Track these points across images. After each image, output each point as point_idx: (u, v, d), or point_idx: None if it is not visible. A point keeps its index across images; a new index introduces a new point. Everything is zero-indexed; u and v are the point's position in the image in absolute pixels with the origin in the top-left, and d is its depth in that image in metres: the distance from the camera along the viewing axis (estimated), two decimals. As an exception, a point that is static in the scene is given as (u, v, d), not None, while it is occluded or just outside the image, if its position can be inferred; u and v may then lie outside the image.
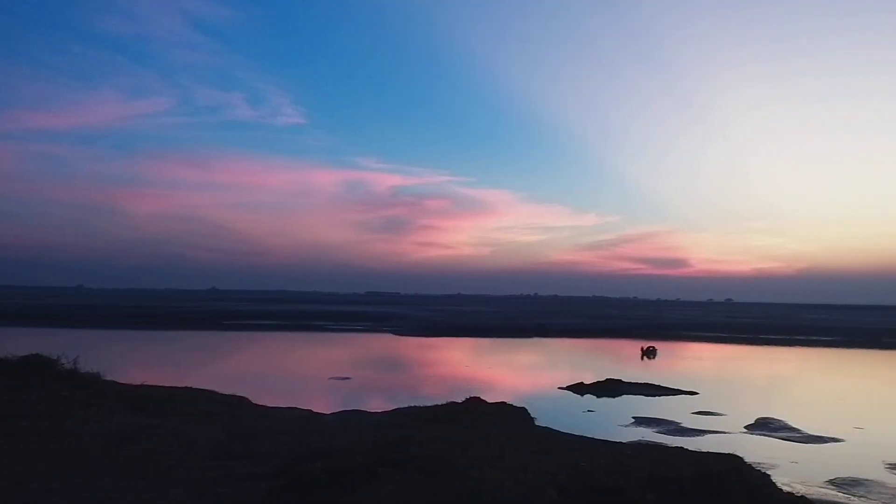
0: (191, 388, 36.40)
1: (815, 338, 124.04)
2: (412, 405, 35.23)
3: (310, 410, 34.75)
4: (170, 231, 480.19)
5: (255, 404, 34.31)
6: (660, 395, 49.62)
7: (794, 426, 38.15)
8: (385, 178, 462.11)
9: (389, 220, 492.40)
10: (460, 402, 34.14)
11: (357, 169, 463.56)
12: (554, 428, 30.76)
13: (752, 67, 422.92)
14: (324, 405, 38.44)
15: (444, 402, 34.61)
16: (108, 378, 34.34)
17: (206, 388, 37.10)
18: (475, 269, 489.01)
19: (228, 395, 34.98)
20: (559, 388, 51.91)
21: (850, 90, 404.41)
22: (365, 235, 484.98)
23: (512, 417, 31.65)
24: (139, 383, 34.83)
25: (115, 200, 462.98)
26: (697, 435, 35.70)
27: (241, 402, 34.13)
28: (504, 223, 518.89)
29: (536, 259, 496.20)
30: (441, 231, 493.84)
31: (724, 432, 36.77)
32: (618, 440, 28.94)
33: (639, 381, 53.57)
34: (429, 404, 35.08)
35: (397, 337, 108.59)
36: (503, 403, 35.10)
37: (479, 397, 35.56)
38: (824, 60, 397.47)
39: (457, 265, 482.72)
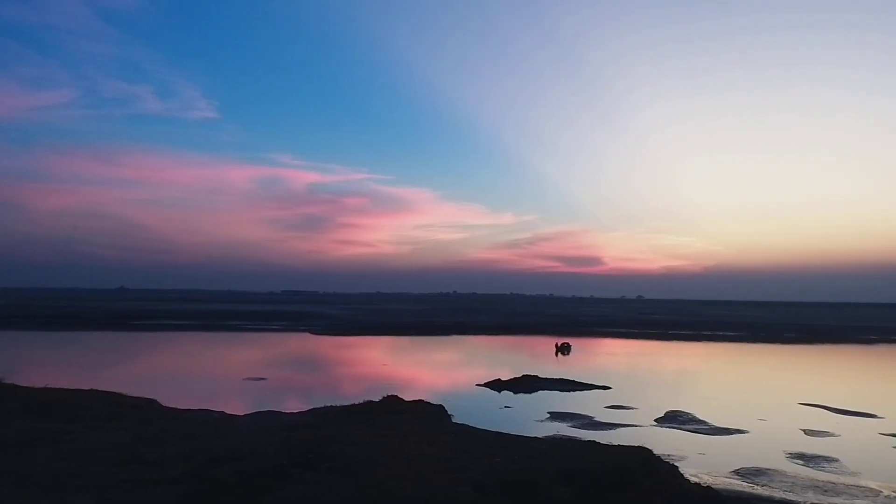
0: (97, 390, 35.03)
1: (721, 333, 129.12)
2: (328, 405, 34.75)
3: (222, 412, 33.87)
4: (75, 228, 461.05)
5: (165, 407, 33.25)
6: (574, 391, 50.60)
7: (701, 419, 39.52)
8: (302, 176, 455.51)
9: (307, 217, 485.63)
10: (377, 400, 33.92)
11: (273, 165, 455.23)
12: (471, 425, 30.87)
13: (664, 70, 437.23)
14: (237, 407, 37.58)
15: (361, 402, 34.30)
16: (8, 382, 32.83)
17: (114, 390, 35.84)
18: (395, 267, 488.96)
19: (136, 398, 33.82)
20: (477, 385, 52.28)
21: (757, 101, 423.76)
22: (281, 233, 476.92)
23: (429, 415, 31.65)
24: (42, 386, 33.33)
25: (17, 196, 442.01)
26: (610, 429, 36.60)
27: (150, 404, 33.01)
28: (424, 222, 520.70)
29: (455, 257, 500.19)
30: (360, 229, 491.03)
31: (636, 425, 37.79)
32: (533, 435, 29.31)
33: (554, 377, 54.54)
34: (345, 404, 34.68)
35: (315, 336, 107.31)
36: (420, 401, 35.09)
37: (396, 396, 35.43)
38: (734, 68, 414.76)
39: (376, 263, 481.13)
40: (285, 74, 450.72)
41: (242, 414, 33.94)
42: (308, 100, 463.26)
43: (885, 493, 25.02)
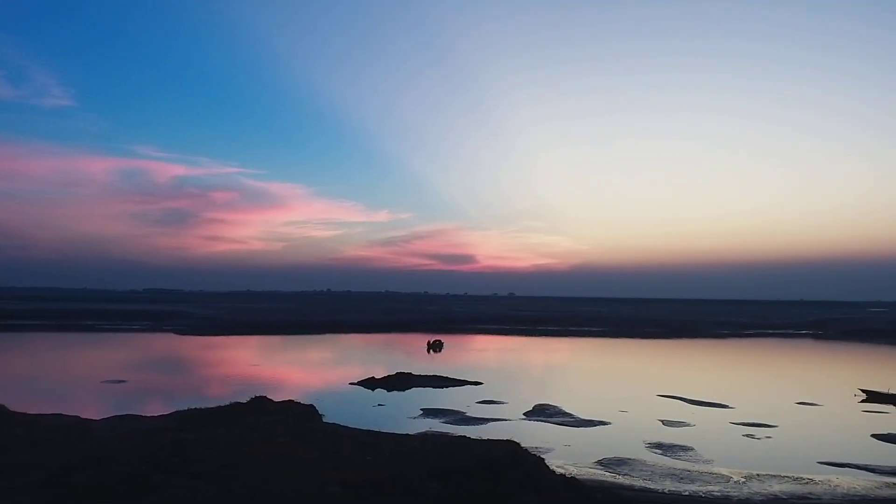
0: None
1: (587, 328, 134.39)
2: (193, 407, 33.59)
3: (77, 417, 32.04)
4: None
5: (14, 412, 31.02)
6: (447, 387, 51.20)
7: (567, 411, 40.91)
8: (167, 168, 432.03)
9: (172, 212, 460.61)
10: (244, 402, 32.99)
11: (135, 157, 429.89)
12: (343, 424, 30.64)
13: (535, 76, 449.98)
14: (95, 411, 35.65)
15: (228, 403, 33.31)
16: None
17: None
18: (266, 264, 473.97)
19: (-19, 404, 31.31)
20: (350, 383, 51.90)
21: (624, 104, 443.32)
22: (144, 228, 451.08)
23: (299, 416, 31.11)
24: None
25: None
26: (481, 423, 37.26)
27: (-3, 410, 30.69)
28: (297, 218, 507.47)
29: (329, 255, 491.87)
30: (229, 225, 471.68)
31: (506, 420, 38.66)
32: (406, 433, 29.41)
33: (428, 374, 54.99)
34: (211, 406, 33.61)
35: (180, 336, 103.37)
36: (290, 402, 34.45)
37: (264, 397, 34.57)
38: (601, 74, 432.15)
39: (246, 260, 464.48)
40: (150, 63, 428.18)
41: (100, 418, 32.24)
42: (174, 89, 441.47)
43: (735, 478, 26.73)
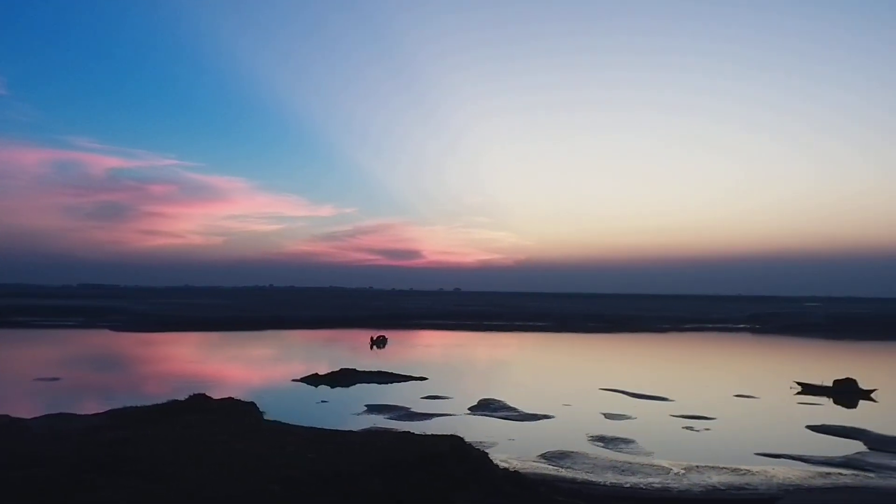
0: None
1: (531, 323, 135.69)
2: (129, 405, 32.63)
3: (7, 416, 30.73)
4: None
5: (-62, 413, 29.65)
6: (392, 383, 51.00)
7: (512, 406, 41.09)
8: (102, 160, 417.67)
9: (107, 205, 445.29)
10: (183, 400, 32.17)
11: (69, 148, 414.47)
12: (285, 421, 30.06)
13: (482, 73, 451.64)
14: (26, 409, 34.30)
15: (166, 401, 32.45)
16: None
17: None
18: (206, 259, 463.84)
19: None
20: (293, 380, 51.25)
21: (570, 102, 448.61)
22: (78, 222, 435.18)
23: (239, 413, 30.45)
24: None
25: None
26: (425, 419, 37.15)
27: (-83, 411, 29.27)
28: (238, 212, 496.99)
29: (272, 249, 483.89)
30: (167, 219, 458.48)
31: (451, 415, 38.64)
32: (349, 429, 29.06)
33: (373, 370, 54.65)
34: (149, 404, 32.69)
35: (116, 333, 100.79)
36: (230, 399, 33.72)
37: (204, 394, 33.77)
38: (546, 72, 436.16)
39: (185, 255, 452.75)
40: (88, 51, 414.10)
41: (33, 417, 31.05)
42: (112, 79, 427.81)
43: (675, 470, 27.18)
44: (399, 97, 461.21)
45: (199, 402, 31.51)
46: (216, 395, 34.56)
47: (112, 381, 52.41)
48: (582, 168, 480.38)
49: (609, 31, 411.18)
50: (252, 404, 33.51)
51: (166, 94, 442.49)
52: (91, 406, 36.62)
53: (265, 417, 32.00)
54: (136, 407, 32.08)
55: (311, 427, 27.45)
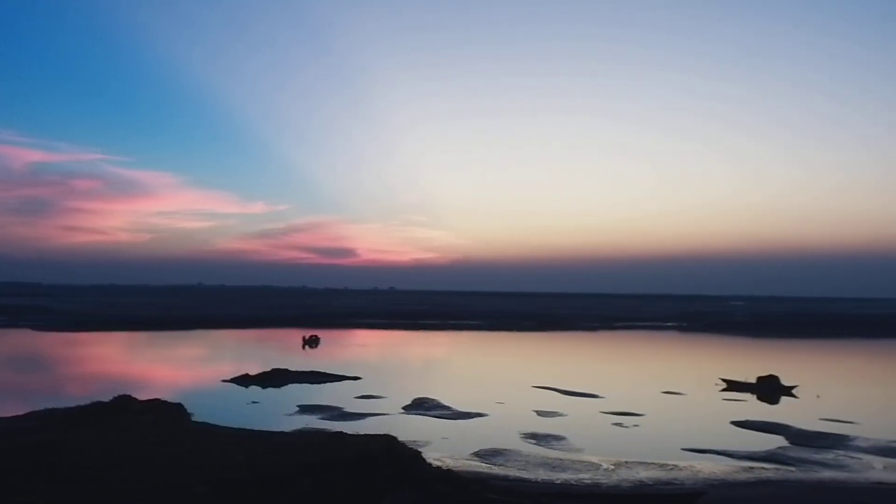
0: None
1: (465, 322, 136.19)
2: (52, 407, 31.51)
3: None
4: None
5: None
6: (325, 383, 50.43)
7: (446, 404, 41.09)
8: (23, 154, 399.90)
9: (28, 200, 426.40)
10: (107, 401, 31.20)
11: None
12: (214, 423, 29.37)
13: (420, 72, 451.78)
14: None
15: (89, 403, 31.42)
16: None
17: None
18: (132, 256, 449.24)
19: None
20: (223, 380, 50.16)
21: (507, 105, 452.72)
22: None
23: (166, 415, 29.72)
24: None
25: None
26: (359, 419, 36.81)
27: None
28: (165, 208, 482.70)
29: (201, 247, 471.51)
30: (91, 215, 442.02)
31: (384, 414, 38.39)
32: (281, 430, 28.63)
33: (305, 370, 53.90)
34: (71, 405, 31.62)
35: (37, 332, 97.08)
36: (157, 400, 32.89)
37: (129, 395, 32.82)
38: (484, 75, 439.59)
39: (110, 252, 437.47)
40: (6, 38, 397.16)
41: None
42: (32, 69, 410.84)
43: (605, 466, 27.63)
44: (336, 96, 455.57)
45: (124, 404, 30.62)
46: (142, 397, 33.69)
47: (34, 382, 50.51)
48: (516, 169, 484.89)
49: (542, 38, 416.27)
50: (179, 405, 32.75)
51: (92, 86, 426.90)
52: (11, 408, 34.96)
53: (193, 419, 31.34)
54: (60, 409, 31.06)
55: (241, 428, 26.89)
